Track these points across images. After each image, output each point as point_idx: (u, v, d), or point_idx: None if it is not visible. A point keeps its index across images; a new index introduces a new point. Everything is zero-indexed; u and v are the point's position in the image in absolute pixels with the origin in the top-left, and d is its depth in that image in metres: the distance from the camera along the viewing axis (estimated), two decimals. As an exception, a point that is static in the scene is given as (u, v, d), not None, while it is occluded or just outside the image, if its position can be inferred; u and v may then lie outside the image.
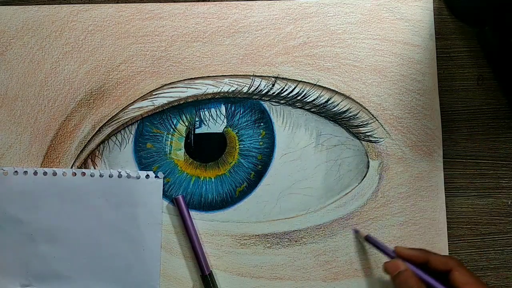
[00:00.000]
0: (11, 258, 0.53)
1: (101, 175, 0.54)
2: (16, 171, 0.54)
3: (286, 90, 0.57)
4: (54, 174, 0.54)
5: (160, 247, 0.54)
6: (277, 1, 0.58)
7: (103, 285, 0.53)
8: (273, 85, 0.57)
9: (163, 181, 0.55)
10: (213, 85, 0.57)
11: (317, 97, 0.57)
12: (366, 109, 0.57)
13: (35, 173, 0.54)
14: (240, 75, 0.57)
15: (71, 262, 0.53)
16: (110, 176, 0.54)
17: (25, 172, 0.54)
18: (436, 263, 0.51)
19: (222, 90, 0.57)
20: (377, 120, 0.57)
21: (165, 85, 0.56)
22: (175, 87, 0.56)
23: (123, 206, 0.54)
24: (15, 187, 0.54)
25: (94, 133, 0.56)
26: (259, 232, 0.56)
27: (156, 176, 0.55)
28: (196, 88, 0.56)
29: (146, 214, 0.54)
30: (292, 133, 0.57)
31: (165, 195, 0.56)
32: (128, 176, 0.54)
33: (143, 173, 0.55)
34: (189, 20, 0.57)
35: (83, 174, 0.54)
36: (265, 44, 0.57)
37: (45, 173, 0.54)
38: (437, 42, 0.58)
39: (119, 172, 0.54)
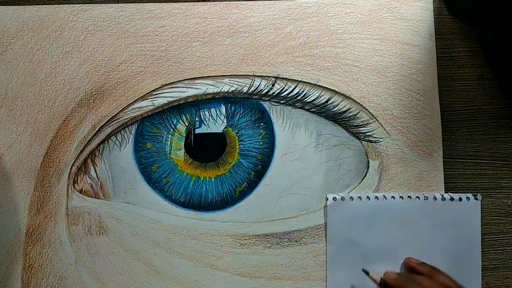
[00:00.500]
0: (352, 278, 0.56)
1: (425, 198, 0.56)
2: (351, 197, 0.56)
3: (286, 90, 0.57)
4: (385, 198, 0.56)
5: (480, 267, 0.56)
6: (277, 1, 0.58)
7: None
8: (273, 85, 0.57)
9: (480, 203, 0.57)
10: (213, 85, 0.57)
11: (317, 97, 0.57)
12: (366, 109, 0.57)
13: (368, 198, 0.56)
14: (240, 75, 0.57)
15: None
16: (434, 199, 0.56)
17: (359, 198, 0.57)
18: None
19: (222, 90, 0.57)
20: (377, 120, 0.57)
21: (165, 85, 0.56)
22: (175, 87, 0.56)
23: (446, 228, 0.56)
24: (352, 212, 0.56)
25: (94, 133, 0.56)
26: (259, 232, 0.56)
27: (475, 198, 0.57)
28: (196, 88, 0.56)
29: (466, 235, 0.56)
30: (292, 133, 0.57)
31: (165, 195, 0.56)
32: (451, 199, 0.56)
33: (463, 196, 0.57)
34: (189, 20, 0.57)
35: (409, 197, 0.57)
36: (265, 44, 0.57)
37: (376, 198, 0.56)
38: (437, 42, 0.58)
39: (442, 196, 0.57)
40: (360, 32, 0.58)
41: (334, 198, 0.56)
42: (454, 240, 0.56)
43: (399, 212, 0.56)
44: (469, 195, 0.57)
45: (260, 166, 0.57)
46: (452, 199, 0.56)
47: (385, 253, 0.56)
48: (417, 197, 0.56)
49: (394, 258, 0.56)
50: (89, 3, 0.57)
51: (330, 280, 0.55)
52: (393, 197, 0.56)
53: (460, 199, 0.56)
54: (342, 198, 0.56)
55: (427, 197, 0.56)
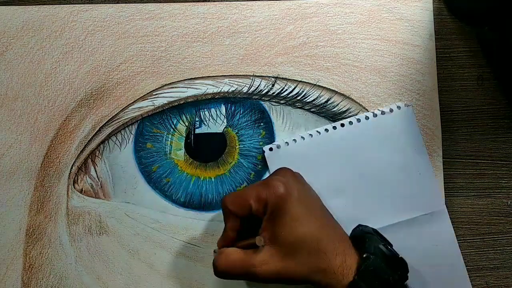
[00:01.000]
0: None
1: (358, 120, 0.56)
2: (287, 142, 0.56)
3: (286, 90, 0.57)
4: (318, 133, 0.56)
5: (432, 169, 0.56)
6: (277, 1, 0.58)
7: (391, 212, 0.55)
8: (273, 85, 0.57)
9: (412, 110, 0.56)
10: (213, 85, 0.57)
11: (317, 97, 0.57)
12: (366, 109, 0.57)
13: (302, 138, 0.56)
14: (240, 75, 0.57)
15: (360, 208, 0.55)
16: (366, 118, 0.56)
17: (294, 140, 0.56)
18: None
19: (222, 90, 0.57)
20: (377, 120, 0.57)
21: (165, 85, 0.56)
22: (175, 87, 0.56)
23: (387, 143, 0.56)
24: (291, 157, 0.55)
25: (94, 133, 0.56)
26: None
27: (406, 105, 0.56)
28: (196, 88, 0.57)
29: (409, 142, 0.56)
30: (292, 133, 0.57)
31: (165, 195, 0.56)
32: (382, 113, 0.56)
33: (393, 106, 0.56)
34: (189, 20, 0.57)
35: (342, 125, 0.56)
36: (265, 44, 0.57)
37: (310, 135, 0.56)
38: (437, 42, 0.58)
39: (373, 113, 0.56)
40: (360, 32, 0.58)
41: (270, 149, 0.56)
42: (399, 151, 0.56)
43: (336, 142, 0.56)
44: (400, 103, 0.56)
45: (260, 166, 0.57)
46: (383, 112, 0.56)
47: (335, 189, 0.55)
48: (350, 122, 0.56)
49: (344, 192, 0.55)
50: (89, 3, 0.57)
51: None
52: (326, 129, 0.56)
53: (391, 110, 0.56)
54: (278, 146, 0.56)
55: (359, 119, 0.56)
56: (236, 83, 0.57)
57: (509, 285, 0.57)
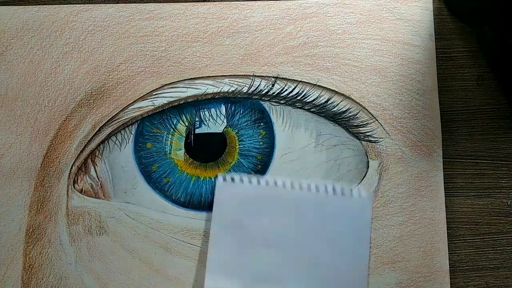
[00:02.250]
0: (234, 260, 0.55)
1: (316, 189, 0.55)
2: (242, 180, 0.55)
3: (286, 90, 0.57)
4: (275, 184, 0.55)
5: (368, 264, 0.55)
6: (277, 1, 0.58)
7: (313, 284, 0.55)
8: (273, 85, 0.57)
9: (371, 199, 0.56)
10: (213, 85, 0.57)
11: (317, 97, 0.57)
12: (366, 109, 0.57)
13: (259, 182, 0.55)
14: (240, 75, 0.57)
15: (286, 267, 0.55)
16: (326, 191, 0.55)
17: (250, 181, 0.55)
18: None
19: (222, 90, 0.57)
20: (377, 120, 0.57)
21: (165, 85, 0.56)
22: (175, 87, 0.56)
23: (333, 222, 0.55)
24: (241, 195, 0.55)
25: (94, 133, 0.56)
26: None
27: (367, 193, 0.56)
28: (196, 88, 0.57)
29: (355, 229, 0.55)
30: (292, 133, 0.57)
31: (165, 195, 0.56)
32: (342, 193, 0.55)
33: (355, 191, 0.56)
34: (189, 20, 0.57)
35: (301, 187, 0.55)
36: (265, 44, 0.57)
37: (267, 183, 0.55)
38: (437, 42, 0.58)
39: (333, 188, 0.55)
40: (360, 32, 0.58)
41: (224, 179, 0.56)
42: (340, 234, 0.55)
43: (288, 200, 0.55)
44: (362, 189, 0.56)
45: (260, 166, 0.57)
46: (343, 193, 0.55)
47: (271, 240, 0.55)
48: (309, 185, 0.55)
49: (279, 245, 0.55)
50: (89, 3, 0.57)
51: (211, 258, 0.55)
52: (284, 184, 0.56)
53: (352, 193, 0.55)
54: (233, 179, 0.56)
55: (318, 189, 0.55)
56: (236, 83, 0.57)
57: (509, 285, 0.57)
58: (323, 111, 0.57)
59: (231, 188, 0.56)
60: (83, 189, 0.56)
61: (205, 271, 0.55)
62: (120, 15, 0.57)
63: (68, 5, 0.57)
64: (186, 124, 0.57)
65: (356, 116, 0.57)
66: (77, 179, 0.56)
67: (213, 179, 0.57)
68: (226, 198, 0.55)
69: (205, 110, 0.57)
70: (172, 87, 0.57)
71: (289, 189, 0.56)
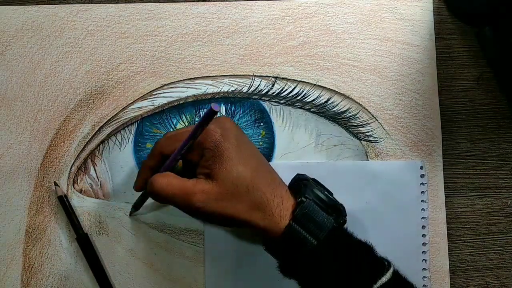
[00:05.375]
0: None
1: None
2: None
3: (286, 90, 0.57)
4: None
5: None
6: (277, 1, 0.58)
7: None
8: (273, 85, 0.57)
9: None
10: (213, 85, 0.57)
11: (317, 97, 0.57)
12: (366, 109, 0.57)
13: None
14: (240, 75, 0.57)
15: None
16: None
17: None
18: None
19: (222, 90, 0.57)
20: (377, 120, 0.57)
21: (165, 85, 0.56)
22: (175, 87, 0.56)
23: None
24: None
25: (94, 133, 0.56)
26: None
27: None
28: (196, 88, 0.56)
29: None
30: (292, 133, 0.57)
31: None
32: None
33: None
34: (189, 20, 0.57)
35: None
36: (265, 44, 0.57)
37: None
38: (437, 42, 0.58)
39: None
40: (360, 32, 0.58)
41: None
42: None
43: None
44: None
45: (260, 166, 0.57)
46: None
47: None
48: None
49: None
50: (89, 3, 0.57)
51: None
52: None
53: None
54: None
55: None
56: (236, 83, 0.57)
57: (509, 285, 0.57)
58: (323, 111, 0.57)
59: None
60: (83, 189, 0.56)
61: (204, 271, 0.55)
62: (120, 15, 0.57)
63: (68, 5, 0.57)
64: (186, 124, 0.57)
65: (356, 116, 0.57)
66: (77, 179, 0.56)
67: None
68: None
69: (205, 110, 0.57)
70: (172, 87, 0.56)
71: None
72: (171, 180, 0.48)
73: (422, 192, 0.56)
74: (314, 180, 0.51)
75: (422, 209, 0.56)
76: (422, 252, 0.56)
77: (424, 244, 0.56)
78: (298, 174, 0.52)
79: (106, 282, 0.54)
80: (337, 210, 0.49)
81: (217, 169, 0.47)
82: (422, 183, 0.56)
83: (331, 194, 0.50)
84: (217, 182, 0.47)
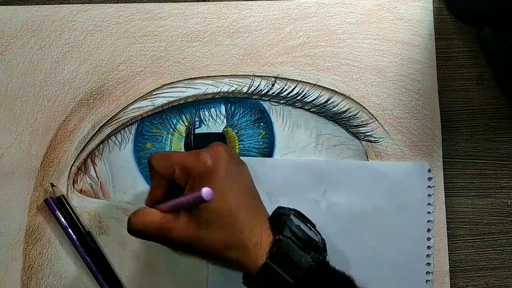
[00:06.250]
0: None
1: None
2: None
3: (286, 90, 0.57)
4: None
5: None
6: (277, 1, 0.58)
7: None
8: (273, 85, 0.57)
9: None
10: (213, 85, 0.57)
11: (317, 97, 0.57)
12: (366, 109, 0.57)
13: None
14: (240, 75, 0.57)
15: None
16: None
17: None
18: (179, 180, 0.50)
19: (222, 90, 0.57)
20: (377, 120, 0.57)
21: (165, 85, 0.56)
22: (175, 87, 0.56)
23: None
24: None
25: (94, 133, 0.56)
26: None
27: None
28: (196, 88, 0.56)
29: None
30: (292, 133, 0.57)
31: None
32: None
33: None
34: (189, 20, 0.57)
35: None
36: (265, 44, 0.57)
37: None
38: (436, 42, 0.58)
39: None
40: (360, 32, 0.58)
41: None
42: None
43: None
44: None
45: (260, 166, 0.57)
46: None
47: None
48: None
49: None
50: (88, 3, 0.57)
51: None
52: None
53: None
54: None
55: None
56: (236, 83, 0.57)
57: (509, 285, 0.57)
58: (323, 111, 0.57)
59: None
60: (83, 189, 0.56)
61: (207, 271, 0.55)
62: (120, 15, 0.57)
63: (68, 5, 0.57)
64: (186, 124, 0.57)
65: (356, 116, 0.57)
66: (77, 179, 0.56)
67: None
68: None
69: (205, 110, 0.57)
70: (172, 87, 0.56)
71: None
72: (150, 219, 0.48)
73: (429, 195, 0.56)
74: (295, 212, 0.50)
75: (428, 212, 0.56)
76: (427, 255, 0.56)
77: (429, 247, 0.56)
78: (279, 207, 0.51)
79: (115, 278, 0.54)
80: (315, 248, 0.48)
81: None
82: (429, 186, 0.56)
83: (314, 226, 0.50)
84: (195, 216, 0.47)
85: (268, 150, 0.57)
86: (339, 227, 0.51)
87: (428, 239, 0.56)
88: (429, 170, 0.56)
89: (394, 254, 0.53)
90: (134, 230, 0.49)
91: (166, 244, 0.49)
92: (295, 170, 0.52)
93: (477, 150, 0.58)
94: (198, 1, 0.57)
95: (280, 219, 0.49)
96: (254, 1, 0.58)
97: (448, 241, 0.57)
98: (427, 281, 0.56)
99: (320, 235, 0.50)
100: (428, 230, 0.56)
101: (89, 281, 0.55)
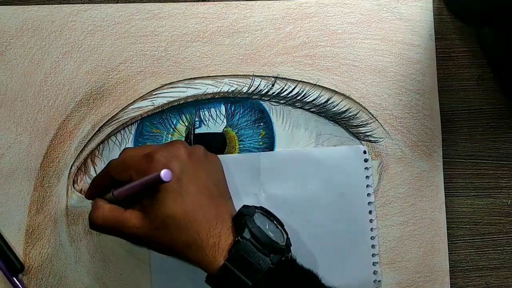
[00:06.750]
0: None
1: None
2: None
3: (286, 90, 0.57)
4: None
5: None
6: (277, 1, 0.58)
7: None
8: (273, 85, 0.57)
9: None
10: (213, 85, 0.57)
11: (317, 97, 0.57)
12: (366, 109, 0.57)
13: None
14: (240, 75, 0.57)
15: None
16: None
17: None
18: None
19: (222, 90, 0.57)
20: (377, 120, 0.57)
21: (165, 85, 0.56)
22: (175, 87, 0.56)
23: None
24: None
25: (94, 133, 0.56)
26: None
27: None
28: (196, 88, 0.56)
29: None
30: (292, 133, 0.57)
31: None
32: None
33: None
34: (189, 20, 0.57)
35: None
36: (265, 44, 0.57)
37: None
38: (437, 42, 0.58)
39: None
40: (360, 32, 0.58)
41: None
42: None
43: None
44: None
45: (260, 166, 0.57)
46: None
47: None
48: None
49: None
50: (88, 3, 0.57)
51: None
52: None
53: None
54: None
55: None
56: (236, 83, 0.57)
57: (509, 285, 0.57)
58: (323, 111, 0.57)
59: None
60: (83, 189, 0.56)
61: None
62: (120, 15, 0.57)
63: (68, 5, 0.57)
64: (186, 124, 0.57)
65: (356, 116, 0.57)
66: (77, 179, 0.56)
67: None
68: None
69: (205, 110, 0.57)
70: (172, 87, 0.56)
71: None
72: (108, 215, 0.48)
73: (367, 176, 0.56)
74: (263, 210, 0.50)
75: (368, 194, 0.56)
76: (371, 237, 0.56)
77: (372, 229, 0.56)
78: (244, 206, 0.50)
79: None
80: (276, 249, 0.47)
81: (149, 205, 0.47)
82: (366, 168, 0.56)
83: (282, 225, 0.49)
84: (150, 218, 0.47)
85: (268, 150, 0.57)
86: (280, 218, 0.51)
87: (371, 221, 0.56)
88: (365, 152, 0.56)
89: (338, 239, 0.53)
90: (97, 226, 0.49)
91: (126, 238, 0.49)
92: (233, 165, 0.52)
93: (477, 150, 0.58)
94: (198, 1, 0.57)
95: (242, 219, 0.48)
96: (254, 1, 0.58)
97: (448, 241, 0.57)
98: (374, 263, 0.56)
99: (287, 234, 0.49)
100: (370, 212, 0.56)
101: (89, 281, 0.55)
